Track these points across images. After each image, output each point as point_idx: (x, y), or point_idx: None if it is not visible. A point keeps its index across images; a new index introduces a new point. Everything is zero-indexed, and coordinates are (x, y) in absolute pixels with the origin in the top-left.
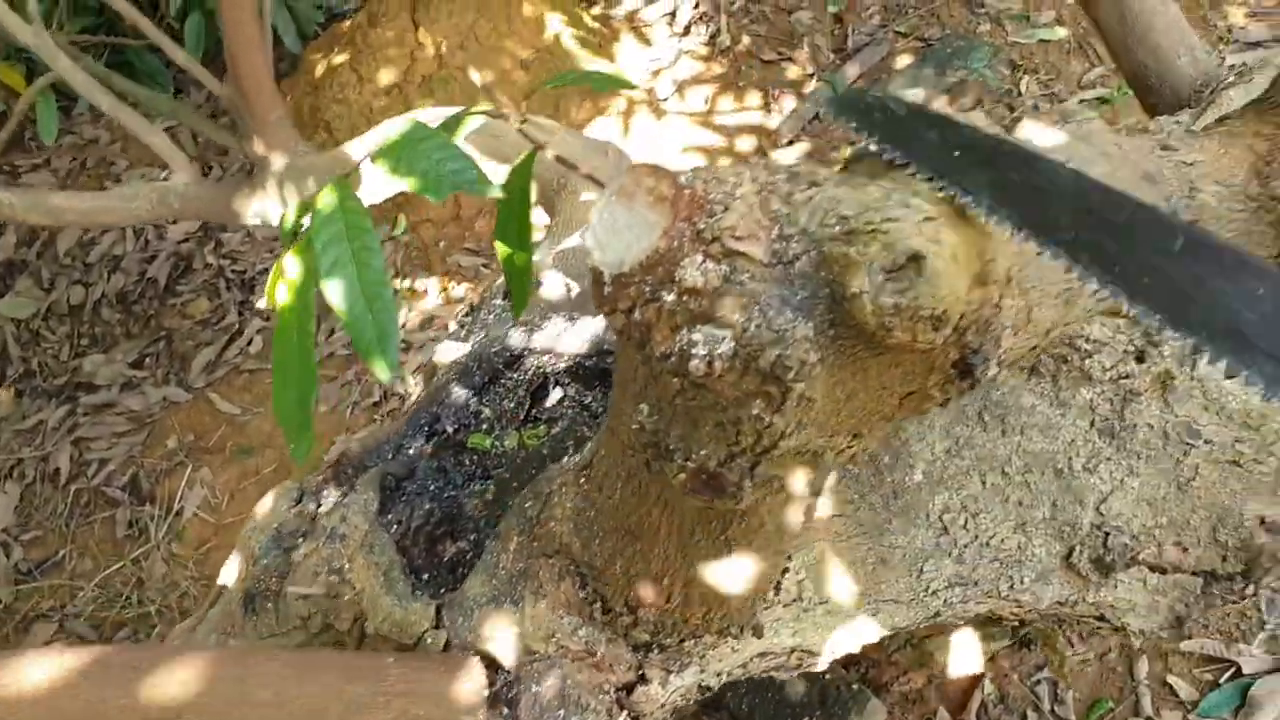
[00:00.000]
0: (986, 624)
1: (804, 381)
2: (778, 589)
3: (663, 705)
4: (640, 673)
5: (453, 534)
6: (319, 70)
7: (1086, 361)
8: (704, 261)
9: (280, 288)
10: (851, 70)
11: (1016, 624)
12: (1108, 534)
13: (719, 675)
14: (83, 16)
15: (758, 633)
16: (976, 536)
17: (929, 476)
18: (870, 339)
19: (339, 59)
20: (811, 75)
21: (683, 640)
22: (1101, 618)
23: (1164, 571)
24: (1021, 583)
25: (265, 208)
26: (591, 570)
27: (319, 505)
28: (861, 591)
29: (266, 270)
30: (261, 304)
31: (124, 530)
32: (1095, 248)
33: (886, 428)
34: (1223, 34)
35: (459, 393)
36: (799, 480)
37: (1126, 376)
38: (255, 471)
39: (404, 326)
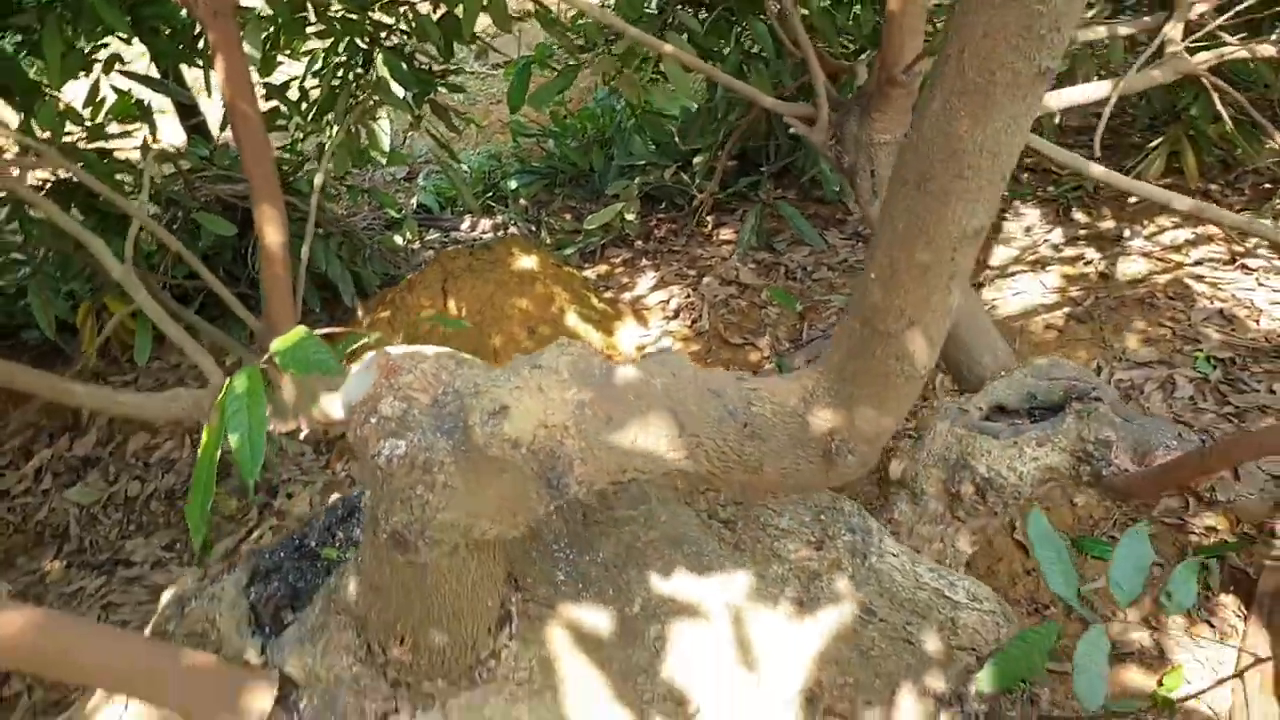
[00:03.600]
0: None
1: (444, 473)
2: (496, 657)
3: None
4: (394, 704)
5: (293, 607)
6: (365, 323)
7: (775, 544)
8: (393, 400)
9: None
10: (800, 357)
11: None
12: None
13: None
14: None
15: (478, 682)
16: (678, 665)
17: (645, 609)
18: (483, 452)
19: (382, 314)
20: (767, 357)
21: (421, 681)
22: None
23: None
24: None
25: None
26: (362, 624)
27: (210, 583)
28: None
29: (289, 480)
30: (278, 504)
31: None
32: None
33: (517, 522)
34: (1118, 354)
35: (323, 521)
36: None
37: (808, 560)
38: None
39: None
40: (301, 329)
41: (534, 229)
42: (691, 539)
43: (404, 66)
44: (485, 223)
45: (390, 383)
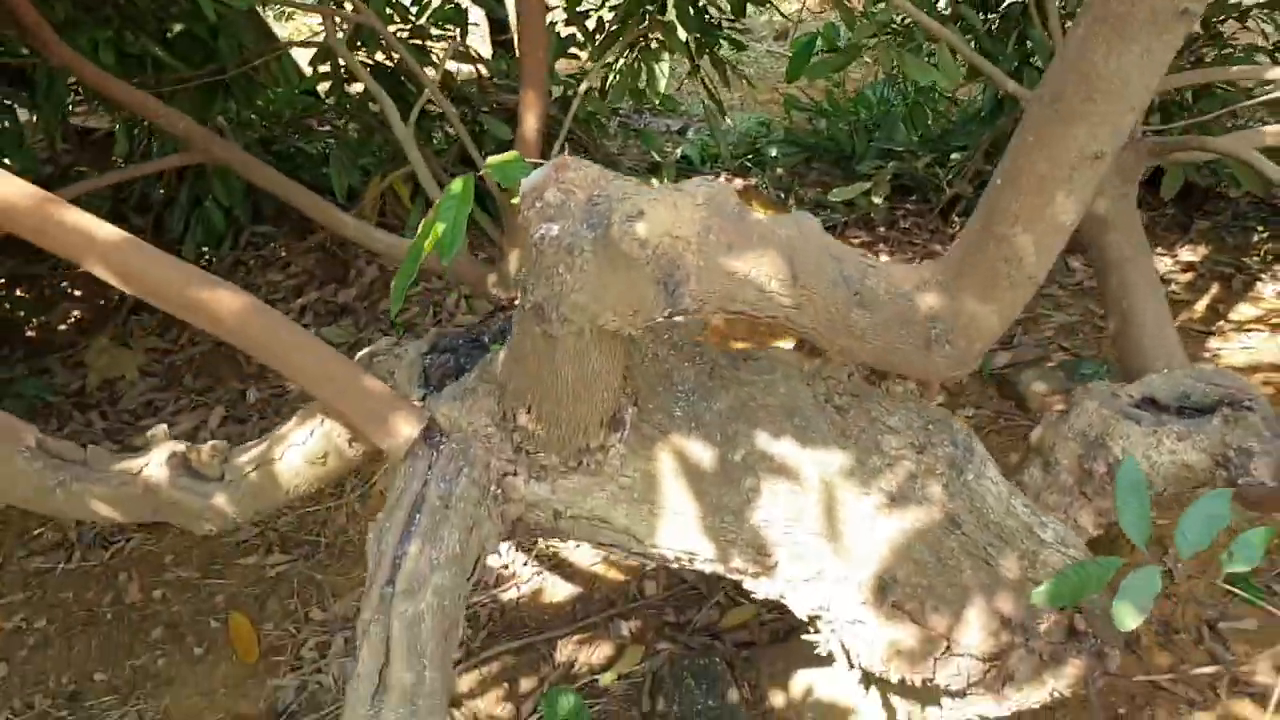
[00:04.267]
0: None
1: (583, 258)
2: (604, 451)
3: (524, 501)
4: (514, 466)
5: (456, 378)
6: None
7: (880, 438)
8: (555, 190)
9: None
10: (1002, 357)
11: None
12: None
13: (569, 510)
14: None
15: (585, 471)
16: (765, 519)
17: (745, 460)
18: (616, 246)
19: None
20: None
21: (538, 451)
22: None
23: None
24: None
25: (500, 281)
26: (502, 391)
27: (400, 346)
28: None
29: None
30: None
31: None
32: None
33: (636, 320)
34: None
35: (500, 324)
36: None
37: (907, 459)
38: None
39: None
40: (515, 152)
41: (782, 195)
42: (804, 414)
43: (691, 12)
44: (738, 182)
45: (558, 176)
